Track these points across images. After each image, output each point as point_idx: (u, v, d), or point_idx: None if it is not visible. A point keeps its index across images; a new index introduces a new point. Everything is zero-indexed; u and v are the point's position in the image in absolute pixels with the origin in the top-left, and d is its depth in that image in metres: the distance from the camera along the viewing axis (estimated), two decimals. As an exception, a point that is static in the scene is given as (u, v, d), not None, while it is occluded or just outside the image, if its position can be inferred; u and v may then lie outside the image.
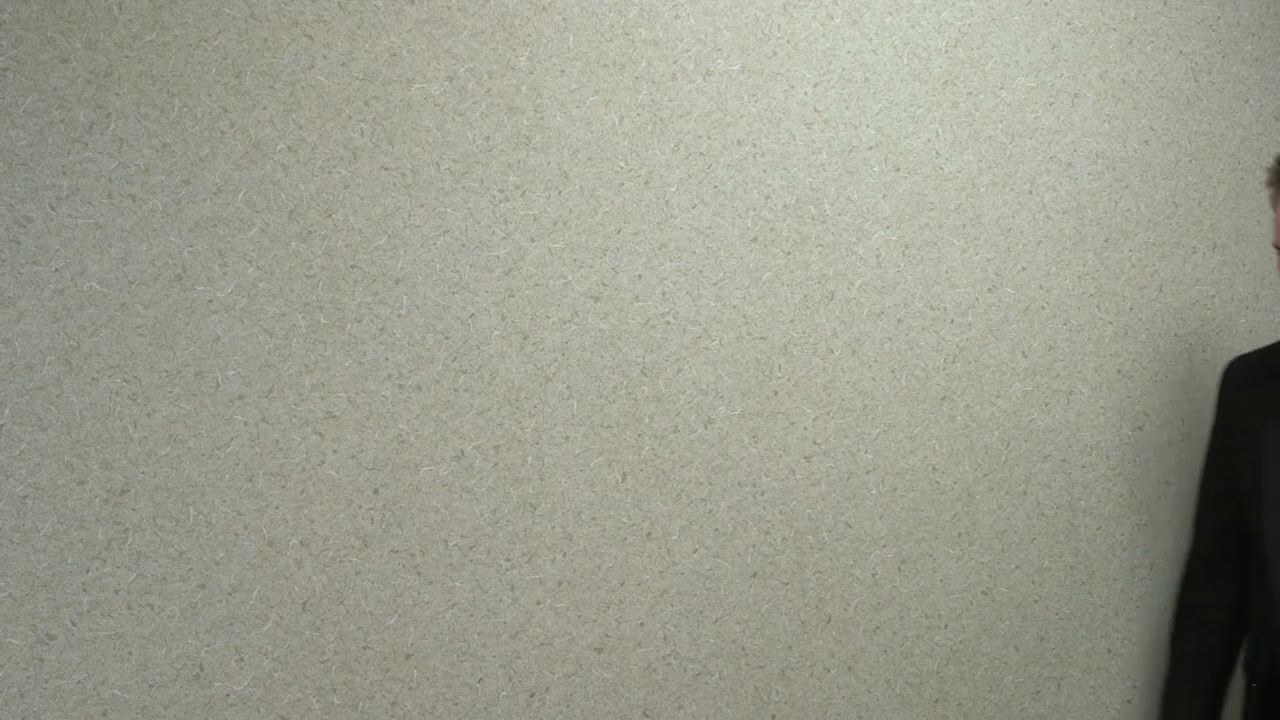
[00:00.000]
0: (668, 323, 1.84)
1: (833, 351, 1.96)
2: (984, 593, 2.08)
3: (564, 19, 1.77)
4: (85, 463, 1.51)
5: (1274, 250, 2.54)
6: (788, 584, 1.98)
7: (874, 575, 1.95)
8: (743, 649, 1.95)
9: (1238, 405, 2.11)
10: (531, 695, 1.77)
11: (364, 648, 1.64)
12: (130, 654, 1.53)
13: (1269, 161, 2.53)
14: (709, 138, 1.86)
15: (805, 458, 1.98)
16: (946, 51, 2.07)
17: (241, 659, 1.57)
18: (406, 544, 1.66)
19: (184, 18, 1.57)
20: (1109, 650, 2.26)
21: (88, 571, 1.50)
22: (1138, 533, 2.27)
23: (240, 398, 1.58)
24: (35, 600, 1.48)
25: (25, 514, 1.48)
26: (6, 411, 1.48)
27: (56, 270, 1.51)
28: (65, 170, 1.52)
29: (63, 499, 1.49)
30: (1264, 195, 2.51)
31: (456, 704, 1.71)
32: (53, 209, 1.52)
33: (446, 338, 1.69)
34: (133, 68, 1.55)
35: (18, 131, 1.51)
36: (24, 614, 1.47)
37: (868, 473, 1.99)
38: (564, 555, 1.78)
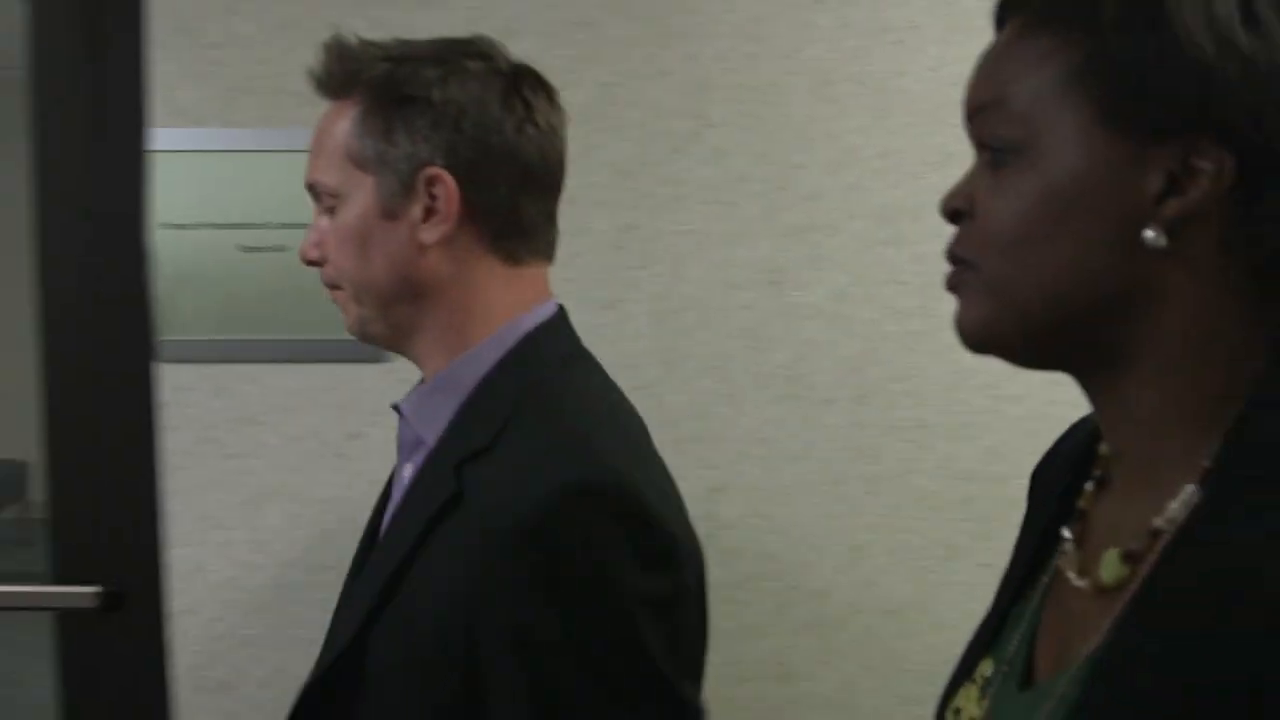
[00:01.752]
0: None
1: None
2: None
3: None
4: (684, 459, 1.55)
5: None
6: None
7: None
8: None
9: None
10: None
11: (947, 660, 1.60)
12: (718, 649, 1.55)
13: None
14: None
15: None
16: None
17: (827, 662, 1.58)
18: (997, 558, 1.61)
19: (777, 29, 1.60)
20: None
21: (687, 564, 1.55)
22: None
23: (830, 401, 1.59)
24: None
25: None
26: (613, 407, 1.55)
27: (658, 274, 1.58)
28: (666, 179, 1.59)
29: (666, 493, 1.55)
30: None
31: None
32: (655, 215, 1.58)
33: (1037, 348, 1.63)
34: (728, 79, 1.60)
35: (624, 143, 1.58)
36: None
37: None
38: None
